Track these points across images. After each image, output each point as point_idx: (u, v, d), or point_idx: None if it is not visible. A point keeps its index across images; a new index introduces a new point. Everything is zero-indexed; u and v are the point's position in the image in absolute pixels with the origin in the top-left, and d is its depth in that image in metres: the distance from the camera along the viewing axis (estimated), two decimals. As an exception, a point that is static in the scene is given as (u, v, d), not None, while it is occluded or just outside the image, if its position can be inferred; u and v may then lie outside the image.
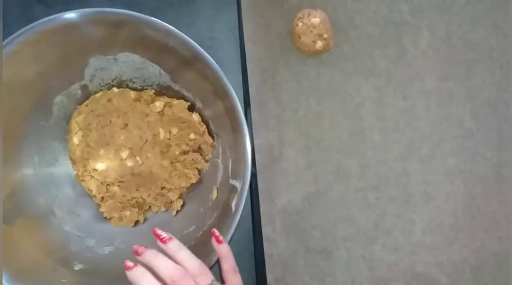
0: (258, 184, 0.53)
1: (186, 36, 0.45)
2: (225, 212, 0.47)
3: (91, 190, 0.52)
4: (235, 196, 0.46)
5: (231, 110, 0.46)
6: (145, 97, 0.52)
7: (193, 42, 0.45)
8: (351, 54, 0.55)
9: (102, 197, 0.51)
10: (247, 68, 0.54)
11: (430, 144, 0.55)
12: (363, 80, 0.55)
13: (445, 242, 0.54)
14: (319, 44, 0.52)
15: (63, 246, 0.49)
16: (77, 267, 0.48)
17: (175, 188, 0.52)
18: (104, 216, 0.52)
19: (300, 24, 0.52)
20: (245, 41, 0.54)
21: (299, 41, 0.52)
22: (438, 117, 0.55)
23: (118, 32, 0.46)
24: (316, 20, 0.52)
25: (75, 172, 0.52)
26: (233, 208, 0.46)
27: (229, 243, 0.44)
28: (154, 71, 0.50)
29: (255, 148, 0.53)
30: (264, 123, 0.54)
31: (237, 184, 0.46)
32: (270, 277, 0.53)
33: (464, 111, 0.55)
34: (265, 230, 0.53)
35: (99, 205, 0.52)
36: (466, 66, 0.55)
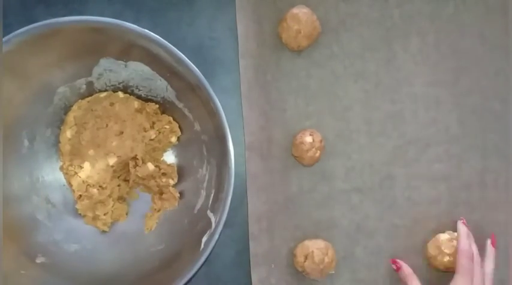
0: (247, 182, 0.53)
1: (194, 67, 0.45)
2: (193, 246, 0.46)
3: (71, 185, 0.52)
4: (208, 233, 0.46)
5: (222, 140, 0.46)
6: (148, 110, 0.52)
7: (200, 73, 0.45)
8: (341, 56, 0.55)
9: (80, 195, 0.51)
10: (240, 64, 0.54)
11: (416, 149, 0.55)
12: (352, 82, 0.55)
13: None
14: (300, 39, 0.53)
15: (30, 234, 0.49)
16: (39, 260, 0.48)
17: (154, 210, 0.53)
18: (79, 213, 0.52)
19: (284, 24, 0.53)
20: (238, 37, 0.54)
21: (283, 38, 0.53)
22: (425, 122, 0.55)
23: (131, 46, 0.46)
24: (296, 17, 0.52)
25: (61, 163, 0.52)
26: (202, 245, 0.45)
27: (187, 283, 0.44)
28: (161, 85, 0.50)
29: (246, 145, 0.53)
30: (254, 120, 0.54)
31: (213, 219, 0.46)
32: (254, 277, 0.52)
33: (450, 117, 0.55)
34: (252, 229, 0.53)
35: (76, 201, 0.52)
36: (454, 73, 0.55)
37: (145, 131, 0.52)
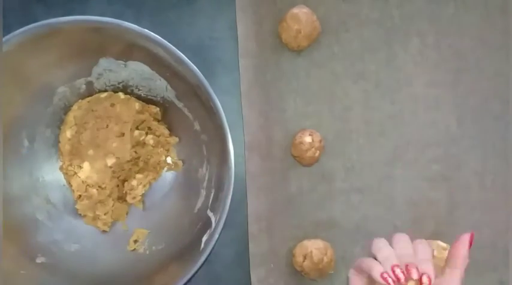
0: (246, 182, 0.53)
1: (194, 67, 0.45)
2: (193, 246, 0.46)
3: (71, 185, 0.52)
4: (208, 232, 0.46)
5: (222, 140, 0.46)
6: (149, 113, 0.53)
7: (200, 73, 0.45)
8: (341, 56, 0.55)
9: (80, 195, 0.51)
10: (239, 64, 0.54)
11: (416, 150, 0.55)
12: (352, 83, 0.55)
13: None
14: (300, 39, 0.53)
15: (30, 234, 0.49)
16: (40, 260, 0.48)
17: None
18: (79, 213, 0.52)
19: (284, 23, 0.53)
20: (238, 37, 0.54)
21: (283, 38, 0.53)
22: (425, 122, 0.55)
23: (131, 46, 0.47)
24: (296, 17, 0.52)
25: (61, 163, 0.52)
26: (202, 245, 0.45)
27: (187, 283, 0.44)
28: (161, 85, 0.51)
29: (245, 145, 0.53)
30: (254, 120, 0.54)
31: (213, 219, 0.46)
32: (253, 277, 0.52)
33: (450, 118, 0.55)
34: (251, 229, 0.53)
35: (75, 201, 0.52)
36: (454, 74, 0.55)
37: (146, 134, 0.52)
